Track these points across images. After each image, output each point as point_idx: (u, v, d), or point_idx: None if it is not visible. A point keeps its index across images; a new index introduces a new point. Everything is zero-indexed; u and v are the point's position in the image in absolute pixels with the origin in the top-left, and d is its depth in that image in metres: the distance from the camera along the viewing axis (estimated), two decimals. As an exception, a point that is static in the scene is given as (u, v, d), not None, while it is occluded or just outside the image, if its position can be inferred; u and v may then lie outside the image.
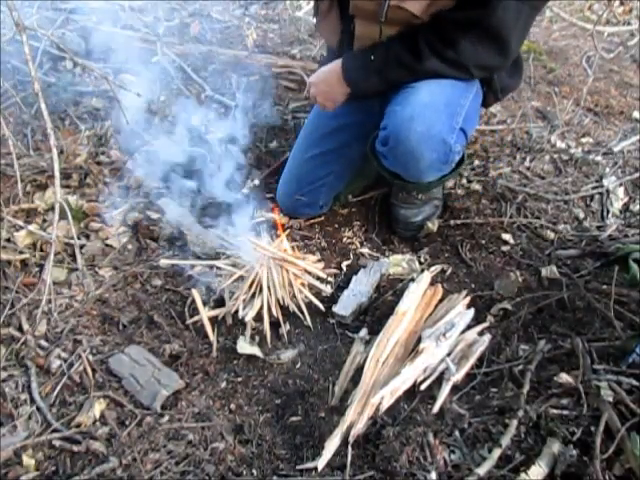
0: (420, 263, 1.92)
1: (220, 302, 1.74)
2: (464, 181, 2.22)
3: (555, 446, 1.27)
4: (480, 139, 2.46)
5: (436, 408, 1.41)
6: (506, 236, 1.99)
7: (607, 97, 2.80)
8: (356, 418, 1.39)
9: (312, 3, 2.79)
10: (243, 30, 3.21)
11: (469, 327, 1.61)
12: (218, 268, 1.79)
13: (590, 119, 2.65)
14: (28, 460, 1.32)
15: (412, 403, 1.45)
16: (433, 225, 2.01)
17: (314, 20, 1.93)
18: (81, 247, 1.87)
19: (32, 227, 1.85)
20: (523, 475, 1.23)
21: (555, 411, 1.35)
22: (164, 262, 1.84)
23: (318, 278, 1.80)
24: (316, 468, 1.31)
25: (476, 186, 2.21)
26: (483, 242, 1.98)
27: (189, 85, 2.75)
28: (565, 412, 1.34)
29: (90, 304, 1.72)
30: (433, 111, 1.67)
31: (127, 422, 1.42)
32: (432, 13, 1.60)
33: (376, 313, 1.75)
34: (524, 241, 1.98)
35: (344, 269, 1.91)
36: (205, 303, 1.71)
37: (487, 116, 2.59)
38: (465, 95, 1.76)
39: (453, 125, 1.72)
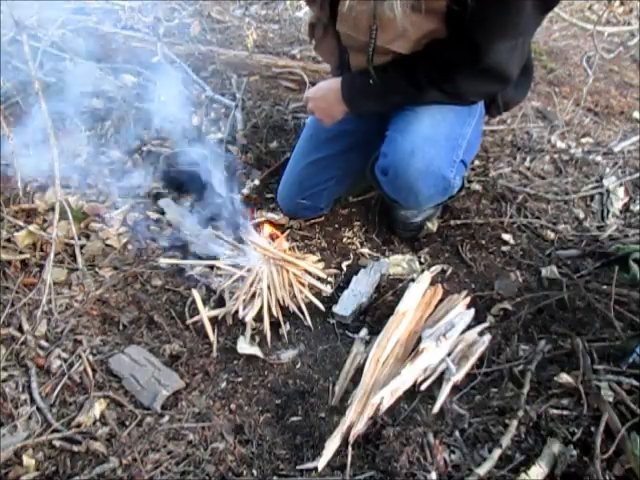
0: (420, 263, 1.92)
1: (220, 302, 1.74)
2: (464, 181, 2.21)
3: (555, 446, 1.27)
4: (480, 139, 2.46)
5: (436, 408, 1.41)
6: (506, 236, 1.99)
7: (607, 97, 2.80)
8: (356, 418, 1.39)
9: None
10: (243, 30, 3.21)
11: (469, 327, 1.61)
12: (218, 268, 1.79)
13: (590, 119, 2.65)
14: (28, 460, 1.32)
15: (412, 403, 1.45)
16: (433, 225, 2.01)
17: (312, 43, 1.90)
18: (81, 247, 1.87)
19: (32, 227, 1.85)
20: (523, 475, 1.23)
21: (555, 411, 1.35)
22: (164, 262, 1.84)
23: (318, 278, 1.80)
24: (316, 468, 1.31)
25: (476, 186, 2.21)
26: (483, 242, 1.98)
27: (189, 85, 2.76)
28: (565, 412, 1.34)
29: (90, 304, 1.72)
30: (433, 145, 1.66)
31: (127, 422, 1.42)
32: (425, 44, 1.55)
33: (376, 313, 1.75)
34: (524, 241, 1.98)
35: (344, 269, 1.91)
36: (205, 303, 1.71)
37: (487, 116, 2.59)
38: (468, 121, 1.74)
39: (453, 159, 1.70)
